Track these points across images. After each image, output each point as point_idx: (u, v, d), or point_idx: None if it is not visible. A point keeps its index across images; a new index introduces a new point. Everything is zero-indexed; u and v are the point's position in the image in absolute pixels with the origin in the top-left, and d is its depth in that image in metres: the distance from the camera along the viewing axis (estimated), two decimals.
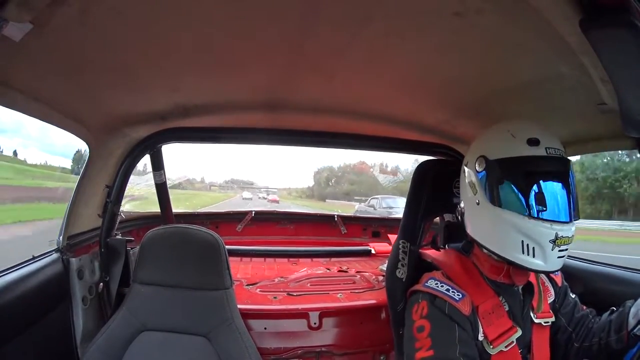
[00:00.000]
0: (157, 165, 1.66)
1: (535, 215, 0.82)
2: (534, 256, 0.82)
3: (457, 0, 0.66)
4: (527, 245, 0.82)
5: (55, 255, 1.22)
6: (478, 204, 0.89)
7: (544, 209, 0.82)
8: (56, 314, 1.18)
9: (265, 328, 1.37)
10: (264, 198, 21.04)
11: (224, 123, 1.43)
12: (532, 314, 0.94)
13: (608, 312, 0.94)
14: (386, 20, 0.74)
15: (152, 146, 1.46)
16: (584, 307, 1.02)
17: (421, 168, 1.17)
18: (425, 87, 1.09)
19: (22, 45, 0.70)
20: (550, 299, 0.99)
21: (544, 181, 0.84)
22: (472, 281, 0.92)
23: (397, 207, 8.45)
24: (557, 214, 0.82)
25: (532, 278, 0.96)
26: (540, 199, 0.83)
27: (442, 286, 0.90)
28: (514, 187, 0.84)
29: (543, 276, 0.99)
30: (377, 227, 2.33)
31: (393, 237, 2.04)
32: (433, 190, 1.12)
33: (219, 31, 0.81)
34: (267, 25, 0.78)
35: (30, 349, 1.05)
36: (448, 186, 1.08)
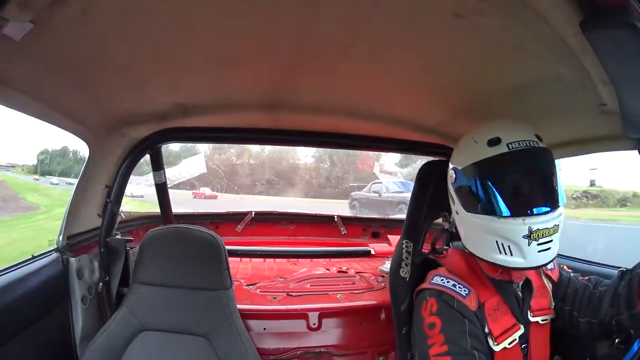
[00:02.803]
0: (157, 165, 1.65)
1: (503, 214, 0.82)
2: (511, 254, 0.82)
3: (458, 2, 0.66)
4: (502, 244, 0.82)
5: (54, 255, 1.22)
6: (457, 213, 0.92)
7: (511, 206, 0.82)
8: (55, 313, 1.17)
9: (264, 328, 1.37)
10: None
11: (224, 123, 1.43)
12: (529, 313, 0.95)
13: (617, 274, 0.91)
14: (386, 20, 0.74)
15: (152, 146, 1.45)
16: (585, 278, 1.00)
17: (424, 169, 1.17)
18: (426, 87, 1.09)
19: (23, 45, 0.70)
20: (549, 296, 0.99)
21: (507, 178, 0.84)
22: (476, 278, 0.93)
23: (407, 191, 7.04)
24: (527, 208, 0.82)
25: (531, 275, 0.96)
26: (506, 196, 0.82)
27: (448, 282, 0.91)
28: (478, 191, 0.85)
29: (541, 273, 0.99)
30: (377, 227, 2.33)
31: (392, 238, 2.05)
32: (436, 191, 1.12)
33: (219, 31, 0.81)
34: (267, 25, 0.78)
35: (30, 348, 1.04)
36: None
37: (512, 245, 0.81)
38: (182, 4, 0.71)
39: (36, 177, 9.64)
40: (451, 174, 0.94)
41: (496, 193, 0.83)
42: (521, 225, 0.80)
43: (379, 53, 0.89)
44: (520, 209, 0.82)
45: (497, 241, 0.82)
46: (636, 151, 0.98)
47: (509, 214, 0.81)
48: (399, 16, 0.73)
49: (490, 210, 0.83)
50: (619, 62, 0.64)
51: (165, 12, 0.72)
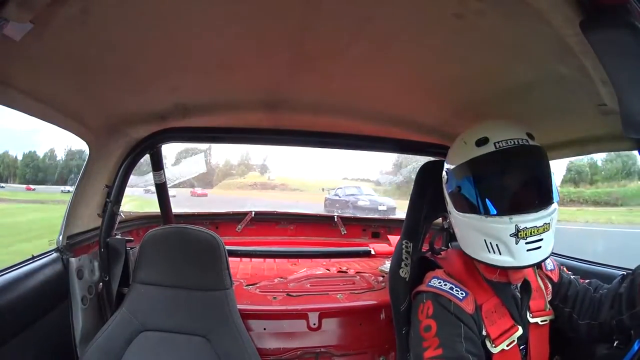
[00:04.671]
0: (157, 165, 1.65)
1: (490, 213, 0.83)
2: (500, 253, 0.82)
3: (458, 2, 0.66)
4: (490, 243, 0.83)
5: (54, 255, 1.22)
6: (450, 213, 0.94)
7: (497, 204, 0.82)
8: (55, 313, 1.17)
9: (264, 328, 1.37)
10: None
11: (224, 123, 1.43)
12: (528, 314, 0.94)
13: (618, 278, 0.91)
14: (386, 20, 0.74)
15: (152, 146, 1.46)
16: (586, 281, 1.00)
17: (424, 169, 1.17)
18: (426, 87, 1.09)
19: (23, 45, 0.70)
20: (549, 297, 0.99)
21: (492, 177, 0.85)
22: (474, 280, 0.93)
23: (359, 194, 10.42)
24: (513, 206, 0.82)
25: (530, 276, 0.96)
26: (492, 195, 0.83)
27: (445, 285, 0.91)
28: (466, 191, 0.87)
29: (536, 273, 0.99)
30: (377, 227, 2.33)
31: (392, 238, 2.06)
32: (435, 191, 1.12)
33: (219, 31, 0.81)
34: (267, 25, 0.78)
35: (29, 348, 1.04)
36: None
37: (500, 244, 0.82)
38: (183, 3, 0.71)
39: None
40: (444, 175, 0.96)
41: (482, 192, 0.84)
42: (507, 224, 0.80)
43: (378, 53, 0.89)
44: (506, 207, 0.82)
45: (485, 240, 0.84)
46: (636, 151, 0.99)
47: (495, 213, 0.82)
48: (398, 16, 0.73)
49: (478, 209, 0.84)
50: (619, 62, 0.64)
51: (165, 12, 0.72)
